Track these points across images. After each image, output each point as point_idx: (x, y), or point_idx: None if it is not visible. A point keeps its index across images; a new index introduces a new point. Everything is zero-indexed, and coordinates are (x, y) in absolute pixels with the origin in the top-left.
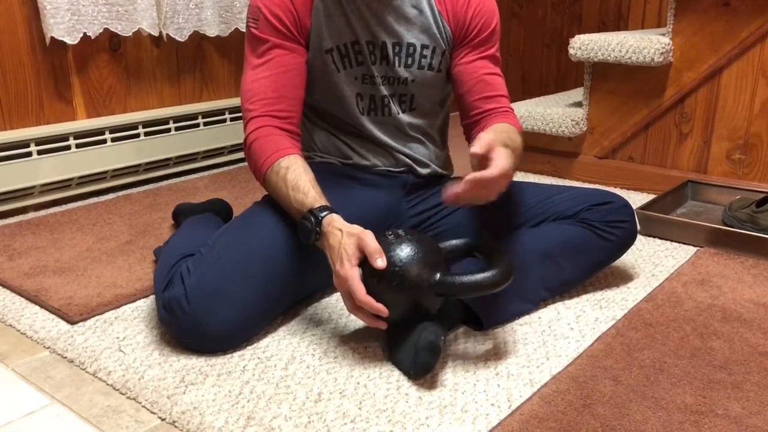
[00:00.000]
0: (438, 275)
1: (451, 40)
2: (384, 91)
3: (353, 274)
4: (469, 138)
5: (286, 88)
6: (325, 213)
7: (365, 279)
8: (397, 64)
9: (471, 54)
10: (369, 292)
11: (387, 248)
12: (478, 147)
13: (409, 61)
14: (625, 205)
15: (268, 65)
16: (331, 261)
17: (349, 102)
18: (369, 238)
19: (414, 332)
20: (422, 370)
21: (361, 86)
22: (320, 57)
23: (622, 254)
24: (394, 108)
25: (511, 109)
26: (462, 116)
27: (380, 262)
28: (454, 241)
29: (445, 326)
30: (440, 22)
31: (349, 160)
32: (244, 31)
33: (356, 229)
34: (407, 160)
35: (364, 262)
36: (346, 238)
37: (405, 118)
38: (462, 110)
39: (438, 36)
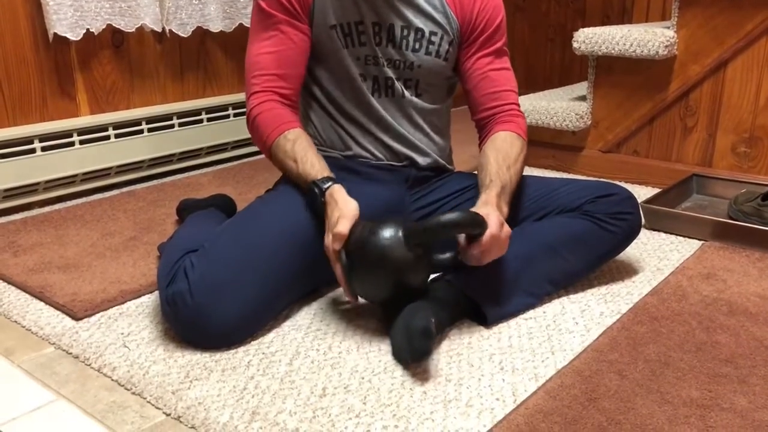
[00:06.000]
0: (401, 229)
1: (458, 32)
2: (389, 73)
3: (329, 243)
4: (480, 138)
5: (288, 65)
6: (328, 184)
7: (347, 256)
8: (404, 47)
9: (477, 50)
10: (354, 266)
11: (360, 230)
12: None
13: (417, 45)
14: (629, 196)
15: (273, 41)
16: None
17: (355, 79)
18: (341, 224)
19: (403, 315)
20: (419, 356)
21: (364, 66)
22: (326, 32)
23: (627, 246)
24: (399, 90)
25: (517, 104)
26: (471, 112)
27: (336, 245)
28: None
29: (440, 311)
30: (448, 12)
31: (349, 151)
32: (249, 26)
33: (342, 204)
34: (407, 151)
35: (347, 240)
36: (334, 212)
37: (410, 100)
38: (470, 106)
39: (446, 25)
